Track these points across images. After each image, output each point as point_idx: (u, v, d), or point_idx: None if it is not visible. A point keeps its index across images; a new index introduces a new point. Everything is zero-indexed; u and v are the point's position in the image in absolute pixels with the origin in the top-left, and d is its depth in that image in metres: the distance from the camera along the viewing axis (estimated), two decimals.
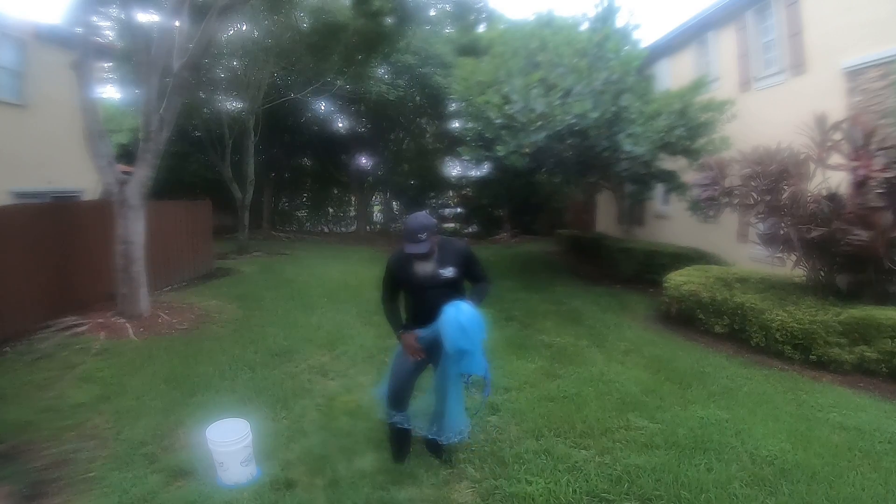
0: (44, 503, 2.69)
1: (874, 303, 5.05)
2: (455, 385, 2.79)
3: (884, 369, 4.60)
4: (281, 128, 16.61)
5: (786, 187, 5.50)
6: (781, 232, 5.68)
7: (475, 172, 19.27)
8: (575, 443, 3.30)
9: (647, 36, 23.55)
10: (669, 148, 8.30)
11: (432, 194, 22.59)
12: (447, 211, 23.14)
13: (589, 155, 8.27)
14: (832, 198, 5.31)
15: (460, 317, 2.60)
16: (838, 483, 2.83)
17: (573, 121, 7.42)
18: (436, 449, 3.12)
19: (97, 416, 3.65)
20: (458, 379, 2.80)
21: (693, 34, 10.33)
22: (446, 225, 21.03)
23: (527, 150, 7.72)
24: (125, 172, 6.43)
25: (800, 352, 5.00)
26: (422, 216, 2.76)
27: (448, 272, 2.78)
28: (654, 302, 7.58)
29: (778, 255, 5.89)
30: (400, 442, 3.10)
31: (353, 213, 22.86)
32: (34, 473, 2.92)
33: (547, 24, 8.93)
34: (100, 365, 4.70)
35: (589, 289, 8.91)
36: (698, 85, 8.61)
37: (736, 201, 6.10)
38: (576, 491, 2.75)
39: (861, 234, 4.87)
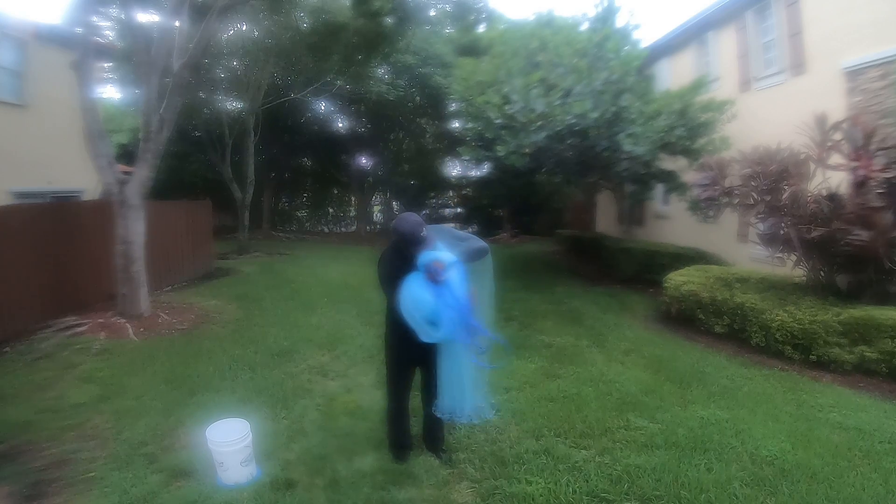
0: (44, 503, 2.69)
1: (874, 303, 5.05)
2: (460, 361, 2.74)
3: (884, 369, 4.60)
4: (281, 128, 16.61)
5: (786, 187, 5.50)
6: (781, 232, 5.68)
7: (475, 172, 19.26)
8: (575, 443, 3.30)
9: (647, 36, 23.55)
10: (669, 148, 8.30)
11: (432, 194, 22.59)
12: (447, 211, 23.15)
13: (589, 155, 8.26)
14: (832, 198, 5.31)
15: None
16: (838, 483, 2.83)
17: (573, 121, 7.42)
18: (436, 448, 3.13)
19: (97, 416, 3.65)
20: (464, 355, 2.73)
21: (693, 34, 10.33)
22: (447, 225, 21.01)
23: (527, 150, 7.72)
24: (125, 172, 6.43)
25: (800, 352, 5.00)
26: (412, 215, 2.80)
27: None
28: (654, 302, 7.58)
29: (778, 255, 5.89)
30: (400, 442, 3.11)
31: (353, 214, 22.87)
32: (34, 473, 2.92)
33: (547, 25, 8.92)
34: (100, 365, 4.70)
35: (589, 289, 8.91)
36: (698, 85, 8.60)
37: (736, 201, 6.10)
38: (576, 491, 2.75)
39: (861, 234, 4.87)
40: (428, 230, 2.74)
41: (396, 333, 2.86)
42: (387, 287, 2.82)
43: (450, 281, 2.64)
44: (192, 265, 9.19)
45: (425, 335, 2.65)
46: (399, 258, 2.79)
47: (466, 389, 2.75)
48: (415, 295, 2.62)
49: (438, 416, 2.84)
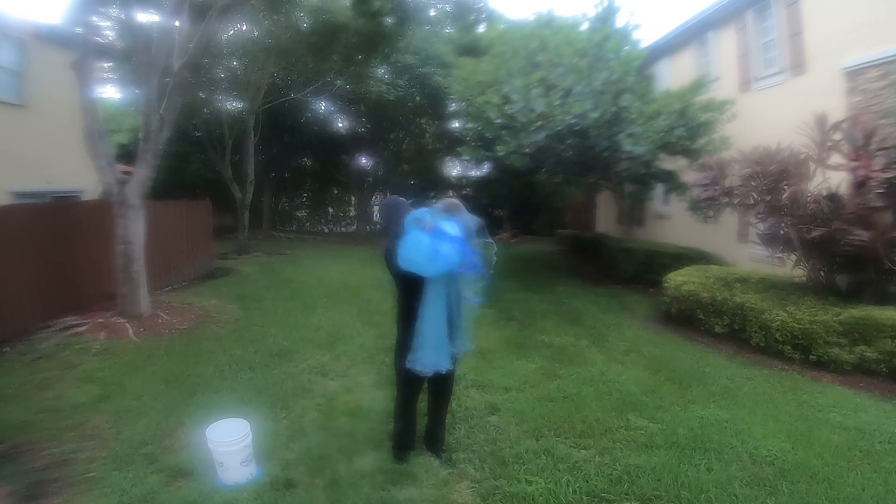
0: (44, 503, 2.69)
1: (874, 303, 5.05)
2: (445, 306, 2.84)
3: (884, 369, 4.60)
4: (281, 128, 16.61)
5: (786, 187, 5.50)
6: (781, 232, 5.68)
7: (475, 172, 19.24)
8: (575, 443, 3.30)
9: (647, 36, 23.56)
10: (669, 148, 8.30)
11: (432, 194, 22.58)
12: None
13: (589, 155, 8.27)
14: (832, 198, 5.31)
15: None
16: (838, 483, 2.83)
17: (573, 121, 7.42)
18: (436, 448, 3.13)
19: (97, 416, 3.65)
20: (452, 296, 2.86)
21: (693, 34, 10.33)
22: None
23: (527, 150, 7.72)
24: (125, 172, 6.43)
25: (800, 352, 5.00)
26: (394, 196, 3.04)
27: None
28: (654, 302, 7.58)
29: (778, 255, 5.89)
30: (404, 442, 3.11)
31: (353, 213, 22.87)
32: (34, 473, 2.92)
33: (547, 24, 8.93)
34: (100, 365, 4.70)
35: (589, 289, 8.91)
36: (698, 85, 8.60)
37: (736, 201, 6.10)
38: (576, 491, 2.75)
39: (861, 234, 4.87)
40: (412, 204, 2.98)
41: (409, 327, 2.87)
42: (395, 275, 2.89)
43: (443, 227, 2.78)
44: (192, 265, 9.19)
45: (429, 269, 2.71)
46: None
47: (444, 337, 2.82)
48: (412, 239, 2.71)
49: (418, 369, 2.82)
